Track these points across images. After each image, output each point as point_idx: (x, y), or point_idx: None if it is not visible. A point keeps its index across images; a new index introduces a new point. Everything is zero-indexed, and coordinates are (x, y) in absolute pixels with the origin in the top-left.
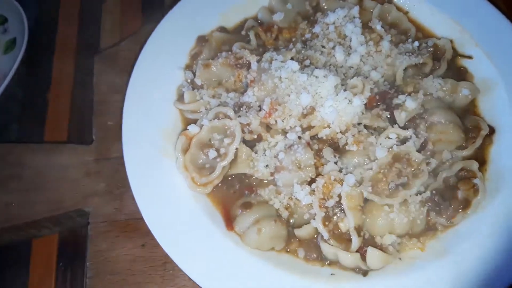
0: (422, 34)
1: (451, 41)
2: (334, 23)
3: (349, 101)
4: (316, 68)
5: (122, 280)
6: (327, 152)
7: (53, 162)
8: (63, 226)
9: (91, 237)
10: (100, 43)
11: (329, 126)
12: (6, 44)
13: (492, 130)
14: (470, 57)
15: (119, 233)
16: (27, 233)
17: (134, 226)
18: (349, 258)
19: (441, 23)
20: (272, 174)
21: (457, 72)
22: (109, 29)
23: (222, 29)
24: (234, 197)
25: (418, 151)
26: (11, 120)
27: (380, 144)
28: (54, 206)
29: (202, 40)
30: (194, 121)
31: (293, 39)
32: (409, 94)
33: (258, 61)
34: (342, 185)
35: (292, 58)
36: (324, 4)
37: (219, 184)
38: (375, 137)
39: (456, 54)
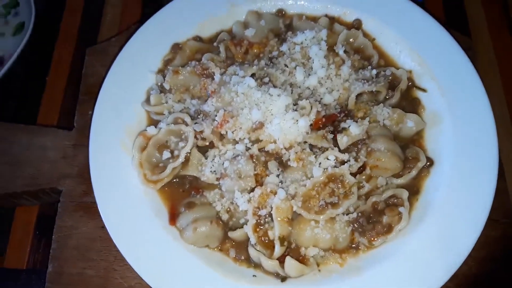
0: (385, 61)
1: (410, 72)
2: (301, 43)
3: (296, 121)
4: (274, 86)
5: (79, 254)
6: (272, 165)
7: (36, 143)
8: (41, 200)
9: (59, 213)
10: (98, 35)
11: (275, 142)
12: (16, 27)
13: (431, 162)
14: (424, 90)
15: (84, 214)
16: (9, 202)
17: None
18: (270, 264)
19: (403, 53)
20: (218, 179)
21: (411, 103)
22: (109, 22)
23: (198, 38)
24: (182, 195)
25: (355, 174)
26: (11, 98)
27: (319, 164)
28: (32, 182)
29: (176, 47)
30: (158, 122)
31: (261, 55)
32: (358, 119)
33: (222, 74)
34: None
35: (253, 74)
36: (296, 23)
37: (173, 181)
38: (315, 156)
39: (413, 85)
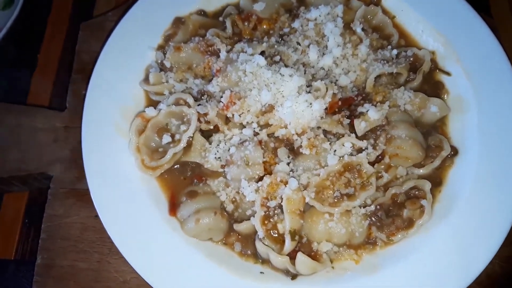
0: (405, 41)
1: (433, 53)
2: (315, 19)
3: (309, 104)
4: (285, 65)
5: (71, 246)
6: (282, 152)
7: (25, 124)
8: (31, 186)
9: (49, 201)
10: (94, 10)
11: (286, 127)
12: (5, 1)
13: (455, 152)
14: (448, 74)
15: (76, 201)
16: None
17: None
18: (279, 260)
19: (426, 33)
20: (223, 166)
21: (433, 86)
22: None
23: (202, 12)
24: (183, 184)
25: (373, 163)
26: (1, 77)
27: (334, 151)
28: (20, 167)
29: (178, 21)
30: (158, 103)
31: (271, 32)
32: (377, 103)
33: (229, 51)
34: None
35: (263, 52)
36: None
37: (174, 167)
38: (330, 143)
39: (435, 67)
